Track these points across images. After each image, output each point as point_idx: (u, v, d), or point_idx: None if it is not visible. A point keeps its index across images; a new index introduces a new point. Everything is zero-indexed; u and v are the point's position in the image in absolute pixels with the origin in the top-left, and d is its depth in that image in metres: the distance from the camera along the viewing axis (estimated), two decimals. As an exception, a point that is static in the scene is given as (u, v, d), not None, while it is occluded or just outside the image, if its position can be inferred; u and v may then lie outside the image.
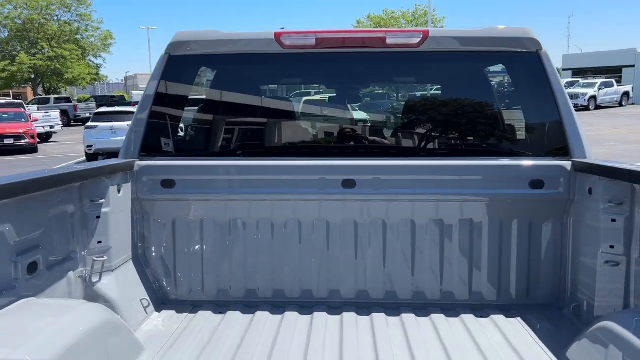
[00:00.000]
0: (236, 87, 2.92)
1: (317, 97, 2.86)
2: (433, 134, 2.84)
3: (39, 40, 42.18)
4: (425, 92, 3.18)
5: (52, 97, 37.18)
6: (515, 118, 2.77)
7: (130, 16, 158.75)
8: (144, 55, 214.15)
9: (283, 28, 2.52)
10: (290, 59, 2.63)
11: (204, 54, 2.71)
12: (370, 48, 2.53)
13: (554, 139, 2.56)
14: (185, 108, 2.92)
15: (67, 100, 38.01)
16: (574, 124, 2.51)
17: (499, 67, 2.74)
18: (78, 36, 44.63)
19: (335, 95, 3.32)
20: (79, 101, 41.14)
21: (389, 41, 2.49)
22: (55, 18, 43.66)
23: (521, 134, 2.73)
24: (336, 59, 2.62)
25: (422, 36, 2.47)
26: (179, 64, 2.68)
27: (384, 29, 2.05)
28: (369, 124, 3.15)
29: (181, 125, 2.91)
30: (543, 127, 2.63)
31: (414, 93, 3.18)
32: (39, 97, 39.35)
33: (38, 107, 30.94)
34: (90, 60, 47.15)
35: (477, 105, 2.78)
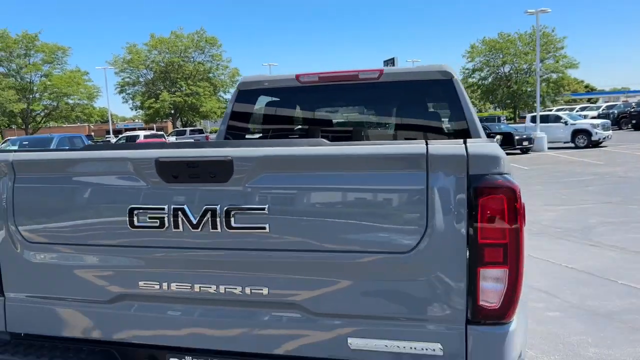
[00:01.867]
0: (276, 107, 4.19)
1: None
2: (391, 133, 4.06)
3: (178, 80, 47.52)
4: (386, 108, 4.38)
5: (188, 129, 41.80)
6: (444, 124, 3.89)
7: (254, 54, 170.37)
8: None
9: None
10: (304, 89, 3.90)
11: (257, 89, 4.03)
12: (350, 81, 3.77)
13: (461, 136, 3.50)
14: (249, 122, 4.20)
15: (200, 131, 42.30)
16: (475, 127, 3.48)
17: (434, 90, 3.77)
18: (210, 74, 49.52)
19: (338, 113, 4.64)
20: (211, 132, 45.40)
21: (360, 76, 3.72)
22: (192, 59, 48.92)
23: (443, 135, 3.82)
24: (331, 88, 3.90)
25: (379, 73, 3.68)
26: (244, 94, 4.02)
27: (358, 70, 3.38)
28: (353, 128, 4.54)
29: (247, 134, 4.16)
30: (455, 128, 3.60)
31: (381, 108, 4.40)
32: (177, 129, 44.31)
33: (176, 138, 35.12)
34: (220, 96, 51.87)
35: (415, 115, 3.98)
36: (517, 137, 25.41)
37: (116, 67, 47.98)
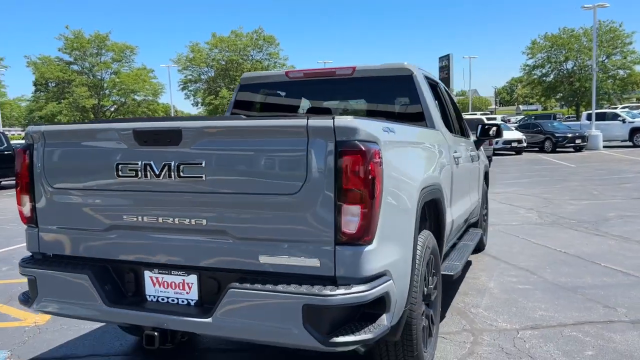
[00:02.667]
0: (269, 98, 4.82)
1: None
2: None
3: (237, 77, 49.30)
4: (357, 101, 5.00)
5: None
6: (404, 111, 4.38)
7: (309, 52, 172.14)
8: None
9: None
10: (292, 84, 4.59)
11: (255, 83, 4.70)
12: (329, 77, 4.39)
13: (417, 121, 4.01)
14: (249, 110, 4.82)
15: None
16: (430, 114, 3.99)
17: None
18: (267, 72, 50.96)
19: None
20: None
21: (337, 73, 4.33)
22: (250, 57, 50.56)
23: (403, 119, 4.25)
24: (314, 82, 4.54)
25: (352, 70, 4.28)
26: (245, 87, 4.71)
27: (335, 67, 4.12)
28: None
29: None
30: (414, 115, 4.10)
31: (354, 98, 4.98)
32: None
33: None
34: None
35: (381, 105, 4.55)
36: (569, 136, 24.98)
37: (179, 65, 50.34)
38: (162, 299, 2.64)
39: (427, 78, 4.26)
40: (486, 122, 6.31)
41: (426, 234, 3.17)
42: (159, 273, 2.64)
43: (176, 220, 2.56)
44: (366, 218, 2.28)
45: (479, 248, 6.42)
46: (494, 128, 5.76)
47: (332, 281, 2.31)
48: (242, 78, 4.79)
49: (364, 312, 2.39)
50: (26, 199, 2.88)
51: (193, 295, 2.58)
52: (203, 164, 2.47)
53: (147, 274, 2.67)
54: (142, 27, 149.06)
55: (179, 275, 2.60)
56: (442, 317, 4.19)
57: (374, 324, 2.38)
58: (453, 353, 3.53)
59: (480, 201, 6.09)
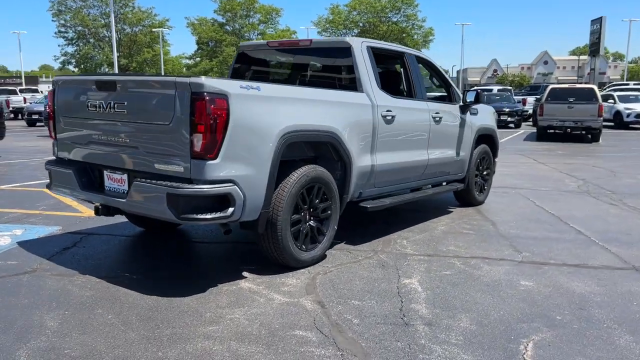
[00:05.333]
0: (259, 62, 6.05)
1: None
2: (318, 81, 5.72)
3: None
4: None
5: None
6: (343, 76, 5.38)
7: (448, 14, 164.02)
8: (454, 50, 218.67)
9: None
10: (272, 51, 5.86)
11: (249, 50, 5.93)
12: (296, 46, 5.63)
13: (352, 84, 5.02)
14: (245, 71, 6.05)
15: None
16: (367, 79, 4.95)
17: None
18: (404, 35, 51.08)
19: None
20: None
21: (300, 44, 5.49)
22: (388, 20, 50.95)
23: (342, 81, 5.33)
24: (287, 50, 5.80)
25: (310, 42, 5.41)
26: (242, 54, 5.97)
27: (300, 39, 5.37)
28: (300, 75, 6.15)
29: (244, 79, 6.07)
30: (350, 80, 5.07)
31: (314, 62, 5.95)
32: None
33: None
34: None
35: (329, 70, 5.56)
36: None
37: (319, 27, 52.55)
38: (112, 189, 4.18)
39: (373, 50, 5.20)
40: (470, 89, 6.91)
41: (309, 167, 4.31)
42: (110, 172, 4.16)
43: (116, 139, 4.02)
44: (209, 143, 3.53)
45: (471, 203, 7.15)
46: (474, 94, 6.46)
47: (190, 181, 3.62)
48: (239, 46, 6.17)
49: (216, 204, 3.67)
50: (52, 123, 4.58)
51: (125, 186, 4.06)
52: (126, 103, 3.90)
53: (105, 172, 4.21)
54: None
55: (119, 174, 4.09)
56: (366, 241, 5.25)
57: (219, 213, 3.66)
58: (345, 259, 4.63)
59: (469, 160, 6.79)
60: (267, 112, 3.93)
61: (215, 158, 3.59)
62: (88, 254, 4.69)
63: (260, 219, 3.97)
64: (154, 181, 3.71)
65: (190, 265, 4.48)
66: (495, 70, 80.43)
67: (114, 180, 4.15)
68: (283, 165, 4.19)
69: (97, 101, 4.07)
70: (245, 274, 4.23)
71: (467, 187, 6.92)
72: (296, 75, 6.07)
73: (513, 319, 3.47)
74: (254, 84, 3.90)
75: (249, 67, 6.02)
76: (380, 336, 3.18)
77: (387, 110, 5.16)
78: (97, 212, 4.26)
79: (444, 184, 6.71)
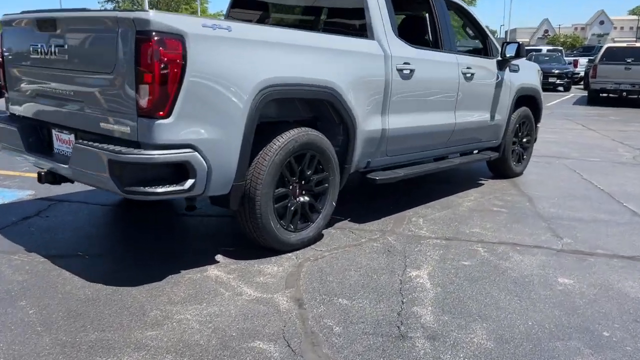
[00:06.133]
0: (261, 5, 5.22)
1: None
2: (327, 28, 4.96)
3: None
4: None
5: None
6: (356, 22, 4.46)
7: None
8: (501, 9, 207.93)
9: None
10: None
11: None
12: None
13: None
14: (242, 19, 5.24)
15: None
16: (372, 27, 4.15)
17: None
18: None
19: None
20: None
21: None
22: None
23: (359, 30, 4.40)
24: None
25: None
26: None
27: None
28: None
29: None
30: (361, 25, 4.28)
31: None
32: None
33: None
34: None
35: (341, 17, 4.84)
36: None
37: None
38: (60, 152, 3.49)
39: None
40: (511, 42, 5.81)
41: (299, 130, 3.50)
42: (58, 132, 3.46)
43: (62, 91, 3.29)
44: (158, 97, 2.77)
45: (506, 174, 6.23)
46: (515, 47, 5.45)
47: (137, 145, 2.89)
48: None
49: (171, 175, 2.94)
50: (2, 72, 3.89)
51: (71, 149, 3.37)
52: (65, 46, 3.15)
53: (53, 132, 3.51)
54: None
55: (66, 134, 3.39)
56: (376, 218, 4.46)
57: (174, 186, 2.92)
58: (344, 241, 3.86)
59: (505, 125, 5.84)
60: (241, 59, 3.12)
61: (167, 116, 2.83)
62: (48, 225, 4.06)
63: (233, 193, 3.23)
64: (96, 144, 3.00)
65: (161, 244, 3.80)
66: (546, 31, 76.34)
67: (62, 142, 3.46)
68: (266, 128, 3.42)
69: (39, 45, 3.34)
70: (219, 257, 3.53)
71: (502, 156, 5.98)
72: (301, 22, 5.20)
73: (544, 334, 2.65)
74: (224, 23, 3.08)
75: (246, 11, 5.20)
76: (364, 354, 2.43)
77: (405, 63, 4.26)
78: (40, 179, 3.58)
79: (475, 152, 5.80)
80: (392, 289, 3.11)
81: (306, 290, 3.05)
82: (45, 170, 3.54)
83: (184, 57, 2.81)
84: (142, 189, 2.86)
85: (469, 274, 3.37)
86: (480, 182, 6.04)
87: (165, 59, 2.76)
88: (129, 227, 4.22)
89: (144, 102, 2.79)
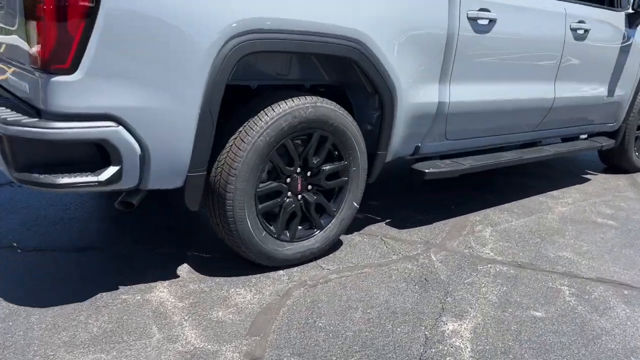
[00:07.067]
0: None
1: None
2: None
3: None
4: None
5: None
6: None
7: None
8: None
9: None
10: None
11: None
12: None
13: None
14: None
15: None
16: None
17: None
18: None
19: None
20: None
21: None
22: None
23: None
24: None
25: None
26: None
27: None
28: None
29: None
30: None
31: None
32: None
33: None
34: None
35: None
36: None
37: None
38: None
39: None
40: None
41: (300, 100, 2.41)
42: None
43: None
44: (54, 39, 1.81)
45: (625, 169, 4.73)
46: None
47: (39, 113, 1.97)
48: None
49: (84, 158, 2.01)
50: None
51: None
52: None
53: None
54: None
55: None
56: (425, 223, 3.30)
57: (86, 175, 1.99)
58: (366, 257, 2.78)
59: (629, 104, 4.34)
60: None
61: (71, 71, 1.87)
62: None
63: (189, 188, 2.24)
64: None
65: (116, 243, 2.95)
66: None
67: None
68: (249, 96, 2.40)
69: None
70: (183, 268, 2.59)
71: (620, 145, 4.51)
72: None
73: None
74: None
75: None
76: None
77: (481, 10, 2.98)
78: None
79: (583, 137, 4.36)
80: (407, 356, 2.01)
81: (274, 344, 2.04)
82: None
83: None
84: (37, 176, 1.96)
85: (539, 337, 2.17)
86: (585, 176, 4.60)
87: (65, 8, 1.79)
88: (92, 219, 3.41)
89: (35, 48, 1.86)
